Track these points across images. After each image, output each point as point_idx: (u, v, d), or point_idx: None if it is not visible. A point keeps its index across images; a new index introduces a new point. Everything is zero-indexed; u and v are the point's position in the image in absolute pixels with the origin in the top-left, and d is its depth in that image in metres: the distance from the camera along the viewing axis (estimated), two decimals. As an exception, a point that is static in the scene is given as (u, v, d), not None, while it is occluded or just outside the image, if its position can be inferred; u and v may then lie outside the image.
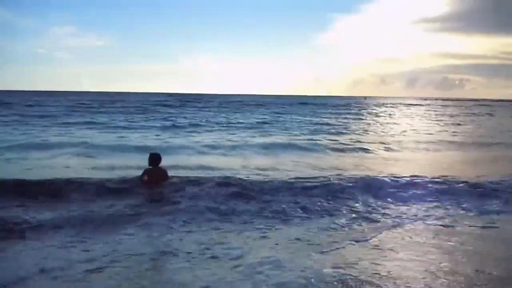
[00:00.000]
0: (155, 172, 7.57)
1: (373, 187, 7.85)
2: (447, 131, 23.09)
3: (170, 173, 8.02)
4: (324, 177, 8.53)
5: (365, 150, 14.28)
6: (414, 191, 7.79)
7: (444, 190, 7.87)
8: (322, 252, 4.91)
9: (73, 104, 43.52)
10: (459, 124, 28.68)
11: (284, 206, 6.73)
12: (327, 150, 14.13)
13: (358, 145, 15.46)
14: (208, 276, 4.22)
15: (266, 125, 24.64)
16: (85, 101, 50.48)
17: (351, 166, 11.03)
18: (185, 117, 29.07)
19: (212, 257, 4.71)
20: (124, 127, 21.05)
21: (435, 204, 7.15)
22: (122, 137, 16.86)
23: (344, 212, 6.61)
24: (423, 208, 6.88)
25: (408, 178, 8.51)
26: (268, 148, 14.29)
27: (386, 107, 59.73)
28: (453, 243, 5.26)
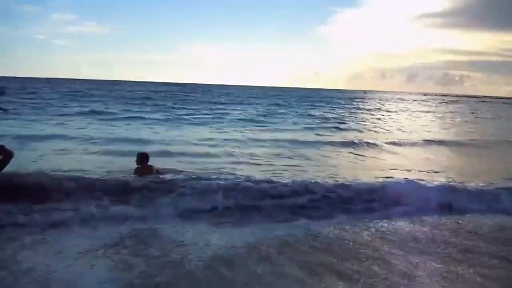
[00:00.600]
0: (145, 170, 7.56)
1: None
2: (448, 129, 22.92)
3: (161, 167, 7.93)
4: (325, 178, 8.39)
5: (368, 146, 14.20)
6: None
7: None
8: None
9: (71, 92, 43.28)
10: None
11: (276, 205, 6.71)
12: (325, 146, 13.98)
13: (357, 140, 15.28)
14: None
15: (265, 118, 24.49)
16: (83, 89, 50.23)
17: (345, 163, 11.09)
18: (183, 109, 28.93)
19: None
20: (120, 118, 20.83)
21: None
22: (117, 128, 16.72)
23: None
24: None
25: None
26: (266, 142, 14.15)
27: (387, 101, 59.62)
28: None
